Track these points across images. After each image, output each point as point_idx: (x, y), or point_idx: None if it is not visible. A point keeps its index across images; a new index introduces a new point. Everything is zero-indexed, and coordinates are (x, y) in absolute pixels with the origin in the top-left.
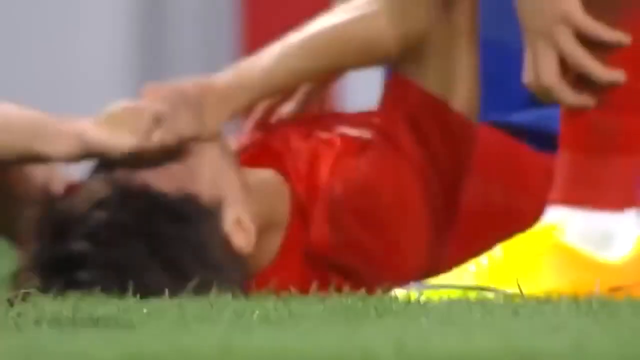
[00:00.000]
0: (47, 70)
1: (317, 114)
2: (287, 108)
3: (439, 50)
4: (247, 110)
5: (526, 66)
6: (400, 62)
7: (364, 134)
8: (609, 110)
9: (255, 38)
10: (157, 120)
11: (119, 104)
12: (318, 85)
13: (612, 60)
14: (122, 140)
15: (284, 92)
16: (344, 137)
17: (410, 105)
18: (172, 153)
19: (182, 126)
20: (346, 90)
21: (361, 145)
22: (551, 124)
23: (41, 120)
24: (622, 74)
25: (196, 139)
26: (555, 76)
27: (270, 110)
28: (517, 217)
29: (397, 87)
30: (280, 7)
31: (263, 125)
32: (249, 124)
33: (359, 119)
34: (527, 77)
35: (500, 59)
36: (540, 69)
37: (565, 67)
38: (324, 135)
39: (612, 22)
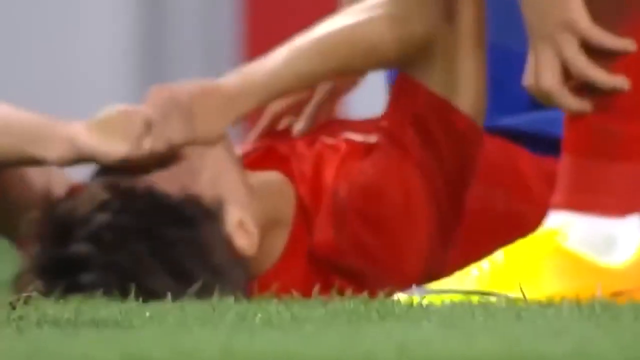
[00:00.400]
0: (47, 70)
1: (323, 121)
2: (298, 126)
3: (445, 53)
4: (254, 112)
5: (528, 69)
6: (407, 65)
7: (370, 138)
8: (612, 116)
9: (256, 38)
10: (148, 127)
11: (112, 108)
12: (327, 100)
13: (615, 66)
14: (112, 147)
15: (290, 94)
16: (349, 141)
17: (417, 106)
18: (162, 160)
19: (172, 133)
20: (349, 98)
21: (366, 148)
22: (554, 128)
23: (36, 123)
24: (626, 81)
25: (187, 145)
26: (555, 81)
27: (277, 119)
28: (519, 222)
29: (404, 89)
30: (280, 7)
31: (269, 133)
32: (256, 131)
33: (365, 125)
34: (528, 79)
35: (503, 62)
36: (541, 73)
37: (568, 73)
38: (329, 141)
39: (616, 28)
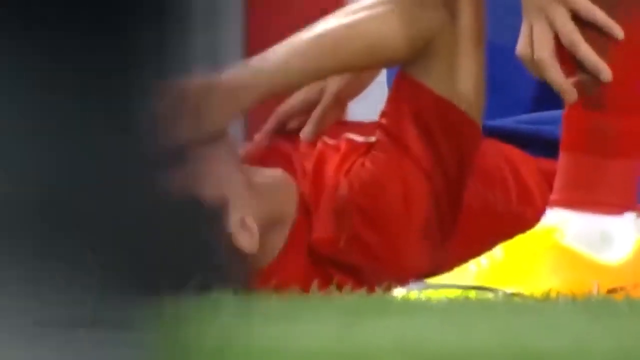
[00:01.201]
0: None
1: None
2: (306, 130)
3: (446, 51)
4: (255, 110)
5: (521, 39)
6: (409, 62)
7: (370, 139)
8: (610, 113)
9: (256, 38)
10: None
11: None
12: (334, 104)
13: (612, 61)
14: None
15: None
16: (349, 140)
17: (416, 104)
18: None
19: (178, 130)
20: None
21: (367, 146)
22: (551, 128)
23: None
24: (610, 72)
25: (194, 142)
26: (547, 51)
27: (285, 120)
28: (518, 223)
29: (405, 88)
30: (282, 7)
31: (277, 133)
32: (264, 131)
33: (366, 127)
34: (521, 48)
35: (501, 63)
36: (534, 42)
37: (563, 56)
38: (330, 141)
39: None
